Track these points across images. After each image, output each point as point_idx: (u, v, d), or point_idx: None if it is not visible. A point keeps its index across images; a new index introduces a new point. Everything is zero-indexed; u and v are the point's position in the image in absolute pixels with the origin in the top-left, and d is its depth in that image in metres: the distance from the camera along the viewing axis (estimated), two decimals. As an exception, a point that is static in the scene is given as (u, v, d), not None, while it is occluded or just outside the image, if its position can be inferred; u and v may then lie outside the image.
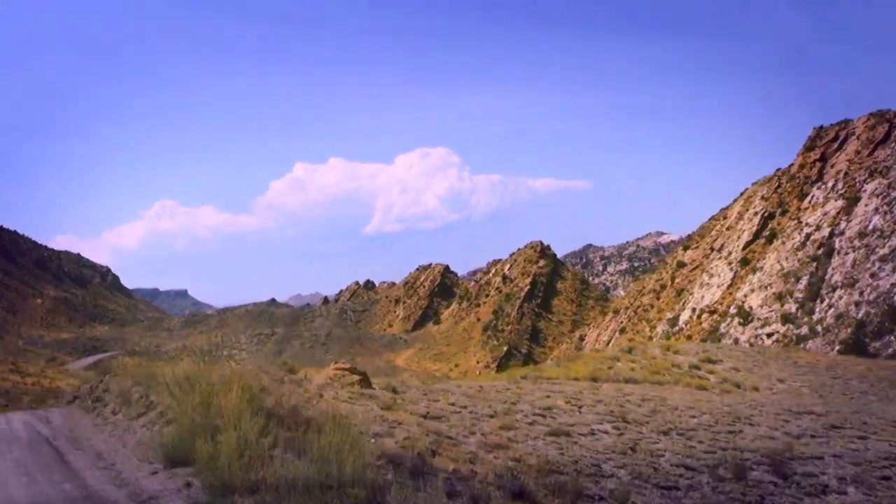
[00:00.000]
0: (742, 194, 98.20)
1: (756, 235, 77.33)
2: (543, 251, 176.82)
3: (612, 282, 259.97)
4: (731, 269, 76.49)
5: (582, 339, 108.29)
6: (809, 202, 71.73)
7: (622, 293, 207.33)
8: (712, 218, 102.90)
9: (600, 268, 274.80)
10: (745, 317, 66.58)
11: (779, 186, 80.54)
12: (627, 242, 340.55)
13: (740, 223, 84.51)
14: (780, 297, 64.66)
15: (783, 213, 76.80)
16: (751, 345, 64.14)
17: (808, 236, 67.43)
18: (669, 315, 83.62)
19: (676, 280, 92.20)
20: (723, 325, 70.58)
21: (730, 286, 75.06)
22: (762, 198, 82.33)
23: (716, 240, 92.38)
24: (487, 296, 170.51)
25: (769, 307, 65.48)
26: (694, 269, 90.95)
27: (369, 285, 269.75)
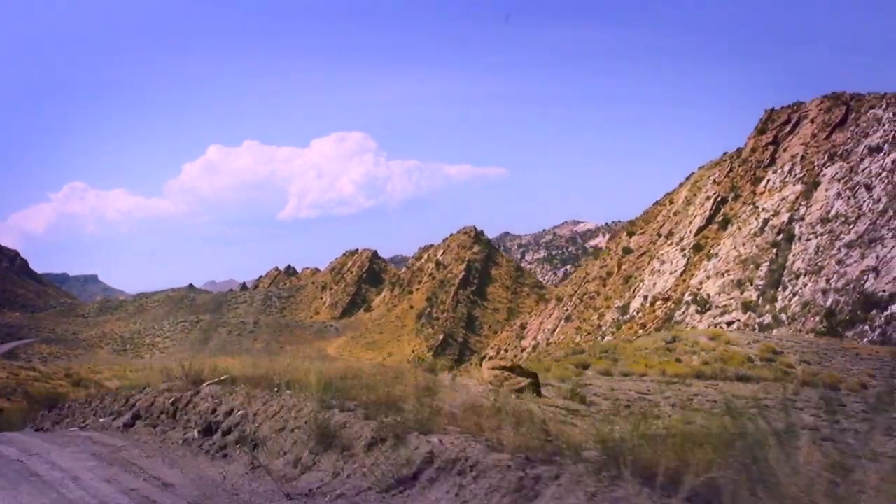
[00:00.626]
0: (688, 178, 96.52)
1: (708, 221, 75.30)
2: (477, 237, 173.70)
3: (530, 270, 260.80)
4: (684, 256, 74.29)
5: (524, 327, 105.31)
6: (765, 186, 69.90)
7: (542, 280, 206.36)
8: (657, 203, 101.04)
9: (518, 256, 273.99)
10: (703, 304, 64.27)
11: (730, 170, 78.73)
12: (544, 230, 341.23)
13: (690, 208, 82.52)
14: (739, 285, 62.51)
15: (736, 197, 74.96)
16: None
17: (765, 222, 65.47)
18: (619, 303, 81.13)
19: (623, 267, 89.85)
20: (678, 312, 68.23)
21: (683, 273, 72.82)
22: (714, 182, 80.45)
23: (662, 225, 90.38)
24: (420, 282, 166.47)
25: (727, 295, 63.29)
26: (641, 255, 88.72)
27: (291, 271, 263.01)
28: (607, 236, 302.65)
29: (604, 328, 79.19)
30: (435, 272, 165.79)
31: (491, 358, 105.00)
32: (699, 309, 64.39)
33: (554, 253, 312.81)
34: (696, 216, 78.36)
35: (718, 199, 75.85)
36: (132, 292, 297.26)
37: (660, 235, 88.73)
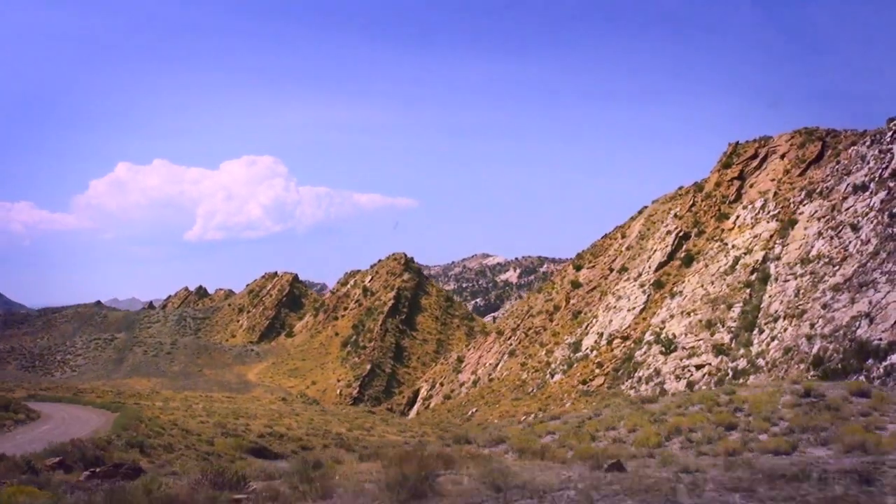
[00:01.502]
0: (640, 212, 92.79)
1: (670, 256, 71.09)
2: (407, 264, 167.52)
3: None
4: (644, 292, 69.75)
5: (461, 360, 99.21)
6: (734, 223, 66.06)
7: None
8: (606, 236, 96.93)
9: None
10: (668, 345, 59.52)
11: (693, 204, 74.93)
12: (453, 262, 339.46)
13: (646, 242, 78.38)
14: (709, 326, 58.00)
15: (700, 233, 71.08)
16: (677, 377, 57.29)
17: (736, 260, 61.43)
18: (569, 339, 76.00)
19: (572, 301, 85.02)
20: (638, 352, 63.42)
21: (643, 310, 68.22)
22: (675, 216, 76.49)
23: (615, 260, 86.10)
24: (346, 308, 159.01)
25: (695, 336, 58.70)
26: (591, 289, 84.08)
27: (202, 292, 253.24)
28: (518, 271, 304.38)
29: (553, 365, 73.91)
30: (362, 298, 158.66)
31: (427, 392, 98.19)
32: (664, 349, 59.60)
33: (464, 285, 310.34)
34: (655, 251, 74.19)
35: (681, 234, 71.81)
36: (33, 306, 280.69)
37: (611, 270, 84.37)
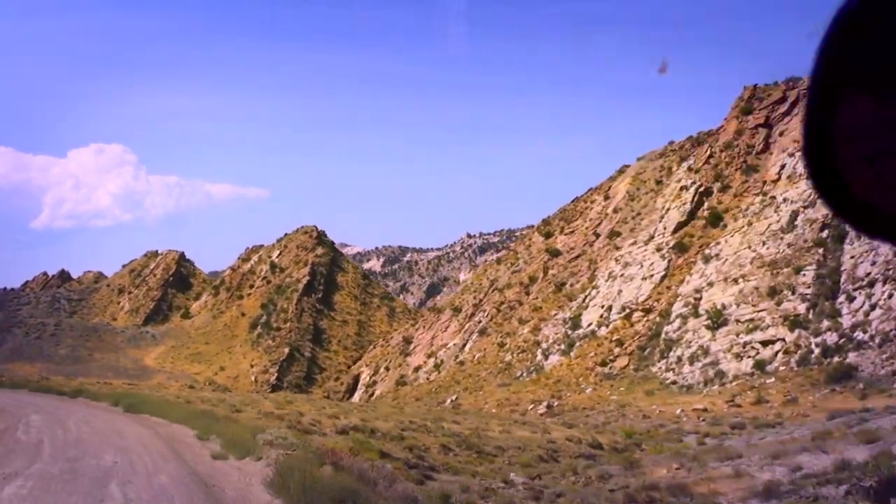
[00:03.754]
0: (621, 172, 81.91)
1: (690, 216, 60.12)
2: (320, 238, 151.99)
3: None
4: (663, 258, 58.45)
5: (408, 341, 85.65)
6: (779, 174, 55.58)
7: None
8: (577, 199, 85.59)
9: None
10: (715, 318, 48.26)
11: (710, 156, 64.23)
12: None
13: (659, 201, 67.29)
14: (772, 294, 47.11)
15: (724, 188, 60.43)
16: (737, 357, 46.16)
17: (794, 215, 50.85)
18: (561, 314, 64.07)
19: (551, 271, 73.13)
20: (668, 327, 52.07)
21: (664, 278, 56.93)
22: (689, 170, 65.64)
23: (598, 224, 74.80)
24: (252, 286, 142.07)
25: (753, 306, 47.71)
26: (574, 258, 72.46)
27: (65, 276, 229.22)
28: (381, 259, 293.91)
29: (545, 345, 61.80)
30: (270, 275, 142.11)
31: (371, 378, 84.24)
32: (710, 323, 48.28)
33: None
34: (668, 209, 63.10)
35: (701, 189, 60.94)
36: None
37: (597, 235, 73.04)
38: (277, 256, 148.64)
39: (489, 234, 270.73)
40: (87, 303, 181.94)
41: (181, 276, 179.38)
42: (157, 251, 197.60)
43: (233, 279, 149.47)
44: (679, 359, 48.23)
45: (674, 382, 46.73)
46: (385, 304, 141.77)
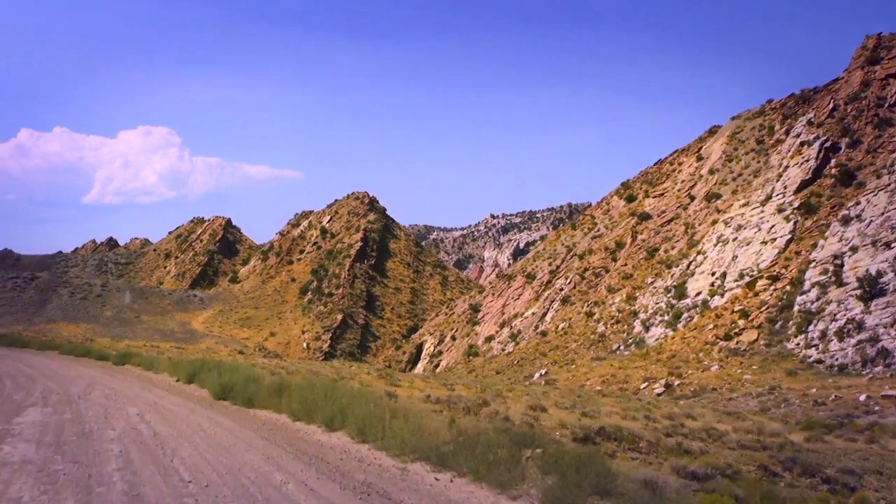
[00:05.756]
0: (712, 133, 74.57)
1: (816, 174, 52.96)
2: (372, 204, 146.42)
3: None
4: (787, 219, 51.45)
5: (476, 309, 79.60)
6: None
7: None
8: (661, 161, 78.46)
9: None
10: (870, 286, 41.33)
11: (834, 109, 56.82)
12: None
13: (774, 158, 60.06)
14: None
15: (854, 143, 53.08)
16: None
17: (962, 170, 43.59)
18: (660, 282, 57.51)
19: (640, 236, 66.43)
20: (801, 297, 45.19)
21: (790, 242, 50.02)
22: (810, 124, 58.28)
23: (693, 186, 67.80)
24: (302, 252, 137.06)
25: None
26: (667, 222, 65.64)
27: (112, 243, 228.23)
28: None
29: (643, 315, 55.37)
30: (321, 241, 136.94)
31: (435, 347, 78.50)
32: (863, 293, 41.36)
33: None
34: (785, 167, 55.94)
35: (827, 145, 53.65)
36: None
37: (692, 197, 66.06)
38: (328, 222, 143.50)
39: (511, 214, 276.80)
40: (133, 267, 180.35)
41: (228, 241, 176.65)
42: (202, 217, 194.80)
43: (282, 244, 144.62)
44: (823, 334, 41.46)
45: (818, 361, 40.02)
46: (438, 273, 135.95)
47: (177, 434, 12.02)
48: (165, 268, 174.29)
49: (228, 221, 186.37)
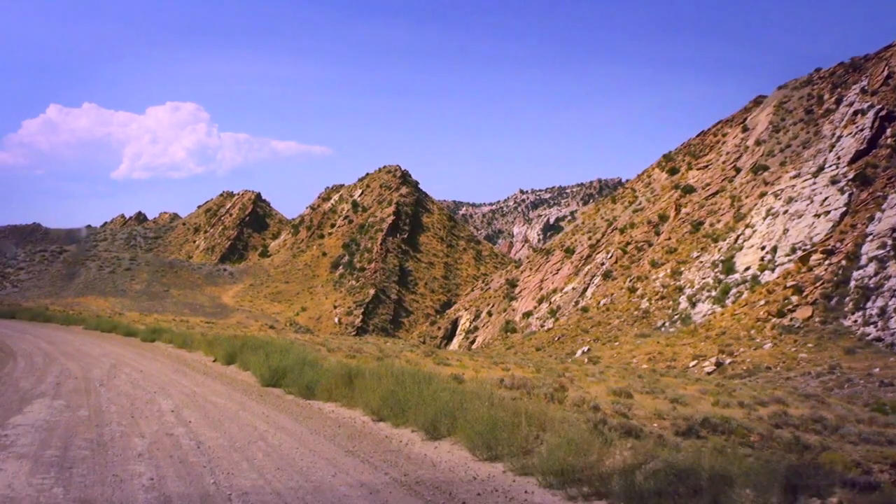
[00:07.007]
0: (758, 103, 72.23)
1: (871, 143, 50.81)
2: (404, 177, 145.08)
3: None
4: (842, 191, 49.46)
5: (513, 285, 78.34)
6: None
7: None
8: (705, 133, 76.30)
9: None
10: (933, 262, 39.49)
11: (889, 77, 54.48)
12: None
13: (826, 128, 57.86)
14: None
15: (913, 112, 50.83)
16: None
17: None
18: (707, 256, 55.83)
19: (684, 209, 64.63)
20: (858, 272, 43.39)
21: (845, 215, 48.07)
22: (863, 92, 55.98)
23: (738, 157, 65.73)
24: (333, 226, 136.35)
25: None
26: (712, 195, 63.74)
27: (141, 217, 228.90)
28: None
29: (689, 290, 53.81)
30: (352, 214, 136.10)
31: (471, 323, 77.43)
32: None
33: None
34: (839, 137, 53.80)
35: (882, 113, 51.42)
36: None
37: (737, 170, 64.03)
38: (360, 196, 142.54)
39: (541, 189, 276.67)
40: (162, 241, 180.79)
41: (257, 215, 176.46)
42: (232, 192, 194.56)
43: (313, 218, 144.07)
44: (882, 311, 39.72)
45: (878, 339, 38.32)
46: (472, 248, 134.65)
47: (229, 445, 9.25)
48: (195, 242, 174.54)
49: (258, 195, 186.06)
